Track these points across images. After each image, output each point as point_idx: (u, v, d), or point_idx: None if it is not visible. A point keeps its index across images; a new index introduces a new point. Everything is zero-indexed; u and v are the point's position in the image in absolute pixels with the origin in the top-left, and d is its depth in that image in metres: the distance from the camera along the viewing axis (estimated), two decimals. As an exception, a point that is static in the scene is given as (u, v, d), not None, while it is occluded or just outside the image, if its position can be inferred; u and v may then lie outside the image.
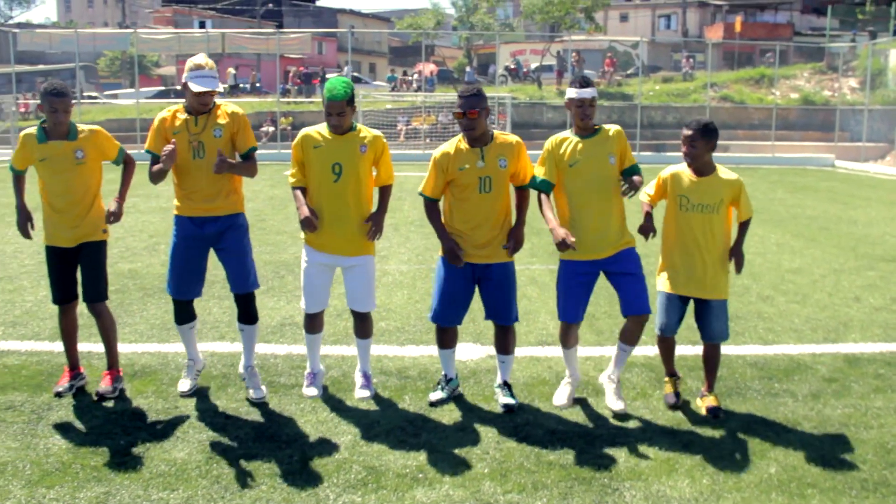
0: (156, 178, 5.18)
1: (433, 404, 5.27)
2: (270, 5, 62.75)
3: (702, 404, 5.22)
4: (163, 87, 46.20)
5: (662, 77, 43.25)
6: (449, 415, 5.12)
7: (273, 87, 39.38)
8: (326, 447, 4.61)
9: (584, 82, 5.05)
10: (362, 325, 5.48)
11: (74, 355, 5.47)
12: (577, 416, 5.13)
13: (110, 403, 5.21)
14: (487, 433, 4.84)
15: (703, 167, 5.07)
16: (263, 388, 5.38)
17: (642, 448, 4.65)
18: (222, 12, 61.96)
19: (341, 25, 59.95)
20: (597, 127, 5.15)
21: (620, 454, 4.56)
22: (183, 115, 5.13)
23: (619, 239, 5.12)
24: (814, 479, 4.30)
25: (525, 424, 4.97)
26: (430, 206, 5.22)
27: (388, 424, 4.96)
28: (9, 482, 4.15)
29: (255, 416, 5.06)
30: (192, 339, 5.57)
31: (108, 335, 5.43)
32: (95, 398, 5.23)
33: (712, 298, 5.09)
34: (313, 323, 5.49)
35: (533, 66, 44.10)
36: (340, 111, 4.98)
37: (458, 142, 5.13)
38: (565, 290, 5.19)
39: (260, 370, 5.84)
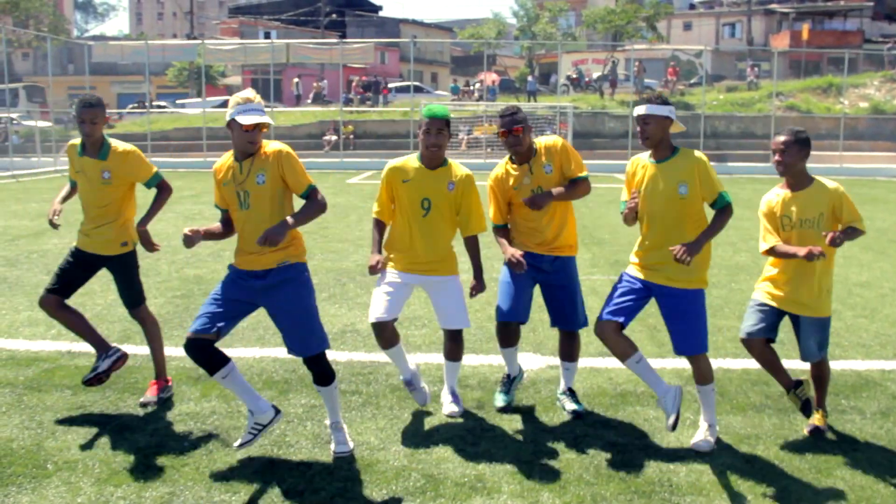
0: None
1: (500, 410, 5.35)
2: (334, 16, 63.53)
3: (811, 421, 5.10)
4: (228, 97, 47.05)
5: (726, 86, 42.66)
6: (508, 424, 5.12)
7: (336, 96, 39.83)
8: (386, 454, 4.65)
9: (645, 99, 4.85)
10: (452, 345, 5.30)
11: (97, 338, 5.46)
12: (637, 428, 5.08)
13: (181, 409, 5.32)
14: (547, 443, 4.82)
15: (798, 179, 4.88)
16: (350, 442, 4.73)
17: (704, 462, 4.58)
18: (287, 23, 62.93)
19: (404, 35, 60.39)
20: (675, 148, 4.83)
21: (681, 468, 4.50)
22: (230, 163, 4.60)
23: (679, 275, 4.74)
24: (883, 500, 4.19)
25: (585, 436, 4.94)
26: (497, 231, 5.35)
27: (447, 433, 4.98)
28: (80, 479, 4.28)
29: (315, 422, 5.12)
30: (240, 384, 4.70)
31: (153, 344, 5.52)
32: (139, 407, 5.32)
33: (805, 315, 4.89)
34: (382, 335, 5.10)
35: (595, 75, 43.87)
36: (440, 128, 4.90)
37: (505, 163, 5.25)
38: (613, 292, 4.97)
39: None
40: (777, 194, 4.98)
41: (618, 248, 11.62)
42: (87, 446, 4.70)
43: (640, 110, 4.76)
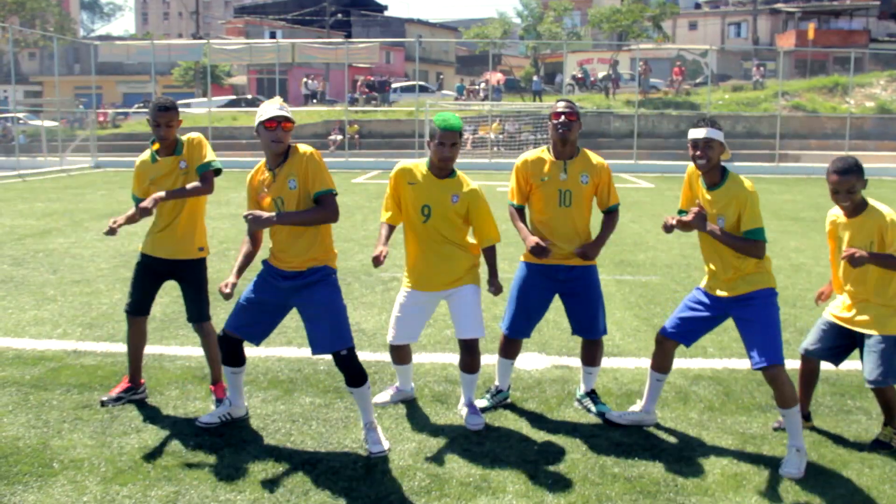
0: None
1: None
2: (340, 15, 63.58)
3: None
4: (234, 97, 47.12)
5: (732, 86, 42.56)
6: (513, 424, 5.12)
7: (341, 95, 39.82)
8: (391, 454, 4.65)
9: (702, 122, 4.63)
10: (466, 357, 5.13)
11: (136, 367, 5.46)
12: (643, 428, 5.07)
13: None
14: (552, 444, 4.82)
15: (854, 206, 4.72)
16: (385, 442, 4.74)
17: (709, 463, 4.58)
18: (292, 23, 62.97)
19: (409, 35, 60.44)
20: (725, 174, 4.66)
21: (686, 468, 4.50)
22: (265, 173, 4.70)
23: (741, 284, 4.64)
24: (889, 501, 4.18)
25: (590, 436, 4.94)
26: (515, 213, 5.26)
27: (452, 433, 4.98)
28: (85, 478, 4.29)
29: (320, 421, 5.13)
30: (238, 384, 5.08)
31: (213, 352, 5.43)
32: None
33: (864, 332, 4.81)
34: (398, 354, 5.37)
35: (600, 75, 43.84)
36: (454, 141, 4.86)
37: (541, 151, 5.20)
38: (679, 308, 4.98)
39: (325, 375, 5.92)
40: (836, 215, 4.88)
41: (623, 249, 11.62)
42: (92, 445, 4.70)
43: (702, 133, 4.54)
